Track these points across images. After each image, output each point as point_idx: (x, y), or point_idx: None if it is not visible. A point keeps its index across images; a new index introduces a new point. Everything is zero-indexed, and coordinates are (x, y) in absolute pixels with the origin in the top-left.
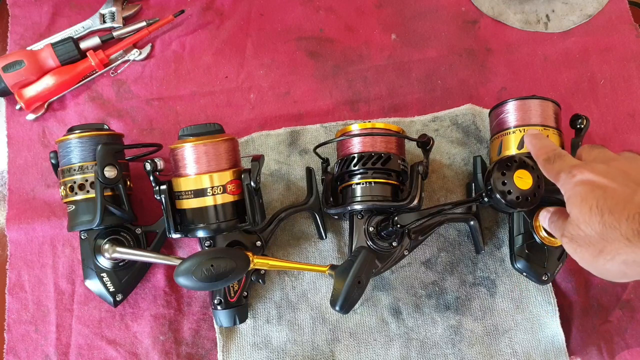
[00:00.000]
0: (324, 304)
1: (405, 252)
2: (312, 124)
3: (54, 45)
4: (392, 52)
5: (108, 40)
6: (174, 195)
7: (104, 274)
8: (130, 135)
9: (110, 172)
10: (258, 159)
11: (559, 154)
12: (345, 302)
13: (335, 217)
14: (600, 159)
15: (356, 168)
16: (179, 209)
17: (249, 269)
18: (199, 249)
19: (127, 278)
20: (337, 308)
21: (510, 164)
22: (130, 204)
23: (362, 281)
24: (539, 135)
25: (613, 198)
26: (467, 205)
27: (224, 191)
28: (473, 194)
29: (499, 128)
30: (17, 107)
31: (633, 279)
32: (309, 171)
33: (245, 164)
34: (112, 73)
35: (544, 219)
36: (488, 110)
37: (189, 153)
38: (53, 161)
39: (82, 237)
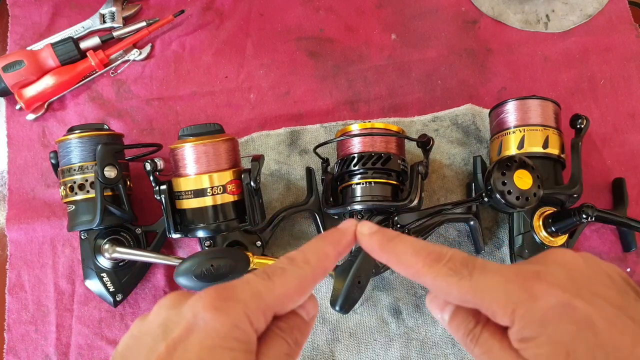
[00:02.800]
0: (324, 304)
1: None
2: (312, 124)
3: (54, 45)
4: (392, 52)
5: (108, 40)
6: (174, 195)
7: (104, 274)
8: (130, 135)
9: (110, 172)
10: (258, 159)
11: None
12: (345, 302)
13: (335, 217)
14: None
15: (356, 168)
16: (179, 209)
17: (249, 269)
18: (199, 249)
19: (127, 278)
20: (337, 308)
21: (510, 164)
22: (130, 204)
23: (362, 281)
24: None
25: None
26: (467, 205)
27: (224, 191)
28: (473, 194)
29: (499, 128)
30: (17, 107)
31: None
32: (309, 171)
33: (245, 164)
34: (112, 73)
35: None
36: (488, 110)
37: (189, 153)
38: (53, 161)
39: (82, 237)
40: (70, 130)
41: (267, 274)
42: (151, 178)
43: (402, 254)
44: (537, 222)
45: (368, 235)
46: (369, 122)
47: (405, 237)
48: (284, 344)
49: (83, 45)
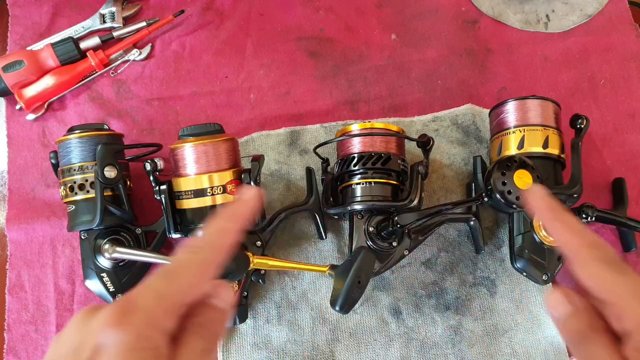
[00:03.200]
0: (324, 304)
1: (405, 252)
2: (312, 124)
3: (54, 45)
4: (392, 52)
5: (108, 40)
6: (174, 195)
7: (104, 274)
8: (130, 135)
9: (110, 172)
10: (258, 159)
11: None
12: (345, 302)
13: (335, 217)
14: None
15: (356, 168)
16: (179, 209)
17: (249, 269)
18: None
19: (127, 278)
20: (337, 308)
21: (510, 164)
22: (130, 204)
23: (362, 281)
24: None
25: None
26: (467, 205)
27: (224, 191)
28: (473, 194)
29: (499, 128)
30: (17, 107)
31: None
32: (309, 171)
33: (245, 164)
34: (112, 73)
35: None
36: (488, 110)
37: (189, 153)
38: (53, 161)
39: (82, 237)
40: (70, 130)
41: (166, 272)
42: (151, 178)
43: (567, 224)
44: (537, 222)
45: (541, 196)
46: (369, 122)
47: (570, 213)
48: (199, 340)
49: (83, 45)
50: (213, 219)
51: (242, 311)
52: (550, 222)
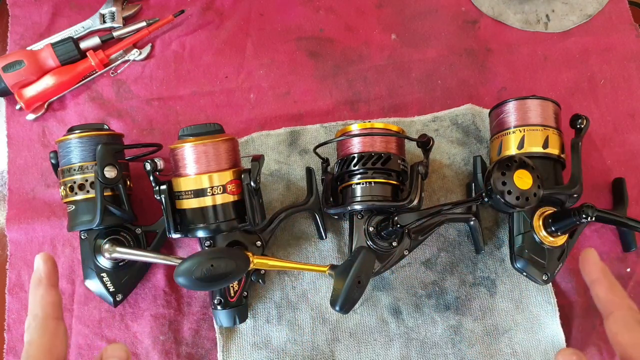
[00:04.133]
0: (324, 304)
1: (405, 252)
2: (312, 124)
3: (54, 45)
4: (392, 52)
5: (108, 40)
6: (174, 195)
7: (104, 274)
8: (130, 135)
9: (110, 172)
10: (258, 159)
11: None
12: (346, 302)
13: (335, 217)
14: None
15: (356, 168)
16: (179, 209)
17: (249, 269)
18: (199, 249)
19: (127, 278)
20: (337, 308)
21: (510, 164)
22: (130, 204)
23: (362, 281)
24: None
25: None
26: (467, 205)
27: (224, 191)
28: (473, 194)
29: (499, 128)
30: (17, 107)
31: None
32: (309, 171)
33: (245, 164)
34: (112, 73)
35: None
36: (488, 110)
37: (189, 153)
38: (53, 161)
39: (82, 237)
40: (70, 130)
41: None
42: (151, 178)
43: (614, 286)
44: (537, 222)
45: (596, 260)
46: (369, 122)
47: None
48: None
49: (83, 45)
50: (30, 291)
51: (242, 311)
52: (600, 281)
